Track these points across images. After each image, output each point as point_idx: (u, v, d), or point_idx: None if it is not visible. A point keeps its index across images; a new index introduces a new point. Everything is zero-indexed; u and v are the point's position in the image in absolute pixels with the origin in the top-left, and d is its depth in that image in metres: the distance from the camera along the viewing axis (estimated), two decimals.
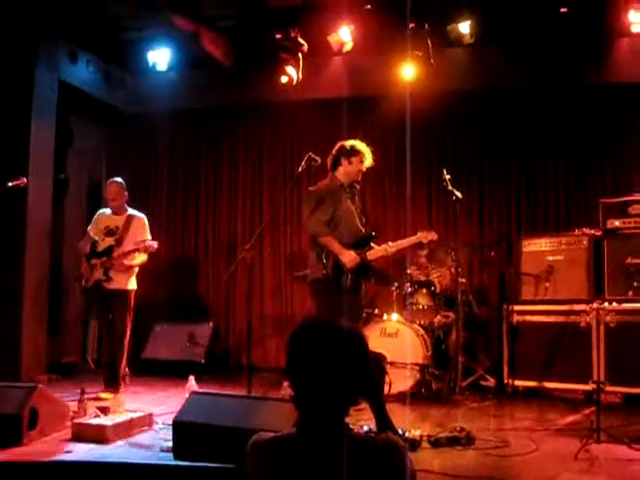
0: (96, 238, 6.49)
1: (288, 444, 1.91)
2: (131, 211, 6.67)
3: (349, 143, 5.78)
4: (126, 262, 6.33)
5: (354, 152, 5.73)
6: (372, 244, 5.80)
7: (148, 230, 6.63)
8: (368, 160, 5.77)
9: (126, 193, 6.66)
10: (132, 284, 6.49)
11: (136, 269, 6.52)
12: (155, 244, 6.36)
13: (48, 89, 7.57)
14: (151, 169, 9.41)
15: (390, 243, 5.91)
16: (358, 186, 5.93)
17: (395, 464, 1.87)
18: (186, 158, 9.32)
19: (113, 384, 6.26)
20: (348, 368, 1.90)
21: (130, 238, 6.43)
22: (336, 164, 5.79)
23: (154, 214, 9.26)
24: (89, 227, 6.67)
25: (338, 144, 5.81)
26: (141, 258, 6.45)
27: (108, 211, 6.66)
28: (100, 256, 6.39)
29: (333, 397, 1.90)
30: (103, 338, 6.93)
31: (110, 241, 6.43)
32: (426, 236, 6.00)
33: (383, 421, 2.25)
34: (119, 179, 6.68)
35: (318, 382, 1.89)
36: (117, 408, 5.18)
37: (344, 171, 5.76)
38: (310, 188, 5.94)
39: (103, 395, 6.04)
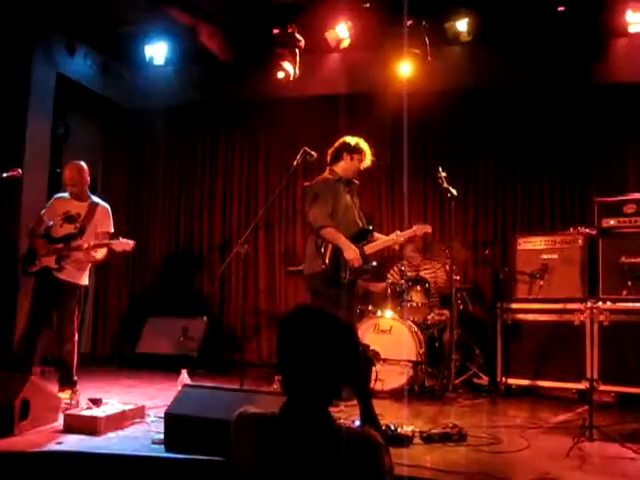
0: (50, 223, 5.84)
1: (271, 423, 1.96)
2: (94, 198, 6.03)
3: (354, 140, 5.78)
4: (92, 254, 5.72)
5: (357, 149, 5.74)
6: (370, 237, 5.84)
7: (112, 221, 6.00)
8: (367, 160, 5.78)
9: (88, 178, 6.00)
10: (85, 279, 5.89)
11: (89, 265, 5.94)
12: (131, 243, 5.73)
13: (45, 82, 7.59)
14: (147, 164, 9.41)
15: (398, 232, 5.98)
16: (357, 182, 5.94)
17: (370, 458, 1.91)
18: (182, 153, 9.31)
19: (69, 382, 5.71)
20: (335, 355, 1.95)
21: (92, 229, 5.83)
22: (337, 158, 5.79)
23: (150, 208, 9.30)
24: (42, 211, 5.98)
25: (342, 139, 5.81)
26: (102, 252, 5.81)
27: (67, 195, 5.97)
28: (56, 242, 5.74)
29: (318, 382, 1.94)
30: (36, 330, 5.78)
31: (70, 228, 5.79)
32: (421, 229, 6.08)
33: (368, 412, 2.26)
34: (81, 162, 6.01)
35: (305, 366, 1.94)
36: (76, 406, 5.10)
37: (344, 166, 5.76)
38: (307, 183, 5.94)
39: (60, 395, 5.42)
